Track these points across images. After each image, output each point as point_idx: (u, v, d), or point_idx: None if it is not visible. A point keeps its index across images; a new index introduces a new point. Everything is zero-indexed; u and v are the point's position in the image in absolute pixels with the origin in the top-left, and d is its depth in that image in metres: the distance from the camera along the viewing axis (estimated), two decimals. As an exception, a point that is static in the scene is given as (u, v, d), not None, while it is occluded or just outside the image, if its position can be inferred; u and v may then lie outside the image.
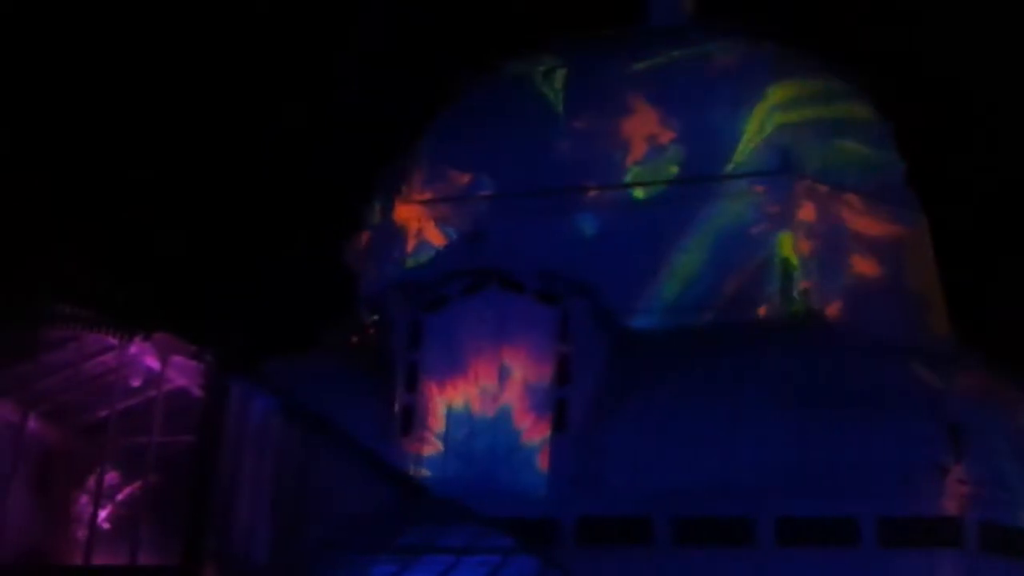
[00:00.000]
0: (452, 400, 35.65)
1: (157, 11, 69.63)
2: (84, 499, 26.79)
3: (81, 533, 26.33)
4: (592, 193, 41.89)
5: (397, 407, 35.85)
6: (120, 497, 26.63)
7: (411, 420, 35.56)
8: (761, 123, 41.81)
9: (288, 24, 73.66)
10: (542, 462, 34.47)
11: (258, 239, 69.10)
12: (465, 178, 43.54)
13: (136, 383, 26.16)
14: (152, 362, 25.96)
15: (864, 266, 40.37)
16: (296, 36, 73.17)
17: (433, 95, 47.56)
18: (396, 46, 71.45)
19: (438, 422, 35.54)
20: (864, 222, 40.96)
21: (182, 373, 25.86)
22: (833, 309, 39.21)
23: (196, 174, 68.54)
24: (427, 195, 43.70)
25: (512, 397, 35.33)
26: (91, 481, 26.70)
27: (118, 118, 68.42)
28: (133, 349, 25.69)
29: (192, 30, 70.49)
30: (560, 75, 44.78)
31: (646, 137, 42.37)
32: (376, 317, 40.05)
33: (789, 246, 39.56)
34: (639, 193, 41.65)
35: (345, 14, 73.09)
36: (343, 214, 46.68)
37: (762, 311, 38.79)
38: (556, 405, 35.01)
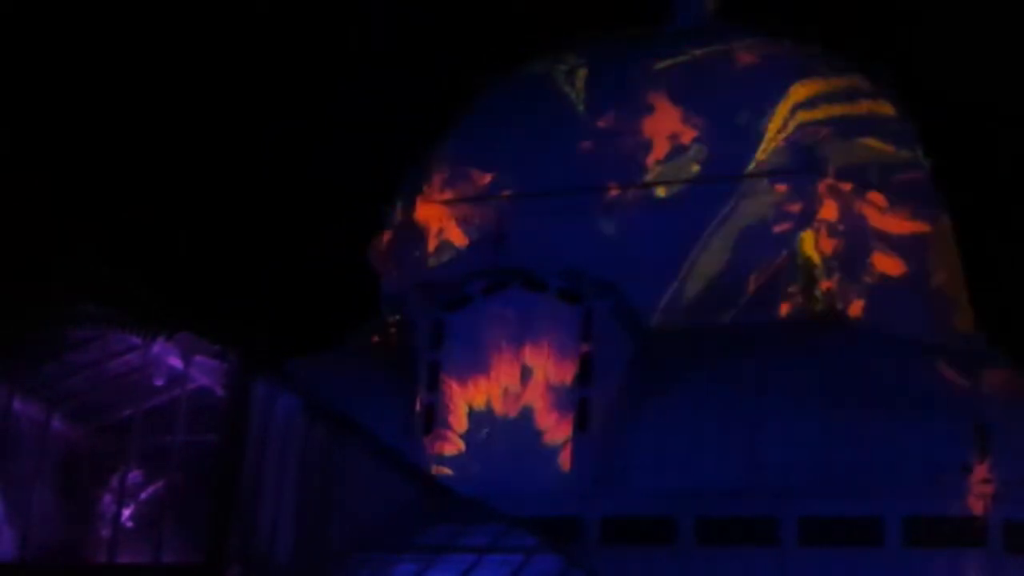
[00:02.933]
0: (474, 399, 35.66)
1: (184, 11, 69.94)
2: (108, 498, 26.91)
3: (105, 531, 26.46)
4: (614, 192, 41.84)
5: (419, 406, 35.89)
6: (144, 496, 26.74)
7: (433, 419, 35.59)
8: (783, 122, 41.68)
9: (313, 21, 73.91)
10: (564, 461, 34.45)
11: (281, 239, 69.30)
12: (487, 178, 43.56)
13: (159, 382, 26.29)
14: (175, 361, 26.07)
15: (887, 265, 40.20)
16: (321, 33, 73.41)
17: (455, 94, 47.61)
18: (418, 44, 71.59)
19: (460, 421, 35.55)
20: (887, 220, 40.79)
21: (205, 372, 25.96)
22: (856, 308, 39.05)
23: (221, 174, 68.80)
24: (449, 195, 43.73)
25: (534, 396, 35.31)
26: (115, 480, 26.82)
27: (144, 119, 68.75)
28: (156, 348, 25.83)
29: (212, 28, 70.76)
30: (582, 75, 44.76)
31: (668, 136, 42.29)
32: (398, 317, 40.12)
33: (811, 245, 39.43)
34: (661, 192, 41.58)
35: (357, 16, 73.27)
36: (366, 214, 46.78)
37: (784, 310, 38.67)
38: (578, 404, 34.99)
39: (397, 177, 46.19)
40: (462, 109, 46.27)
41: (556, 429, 34.91)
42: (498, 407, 35.47)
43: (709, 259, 39.97)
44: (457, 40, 70.33)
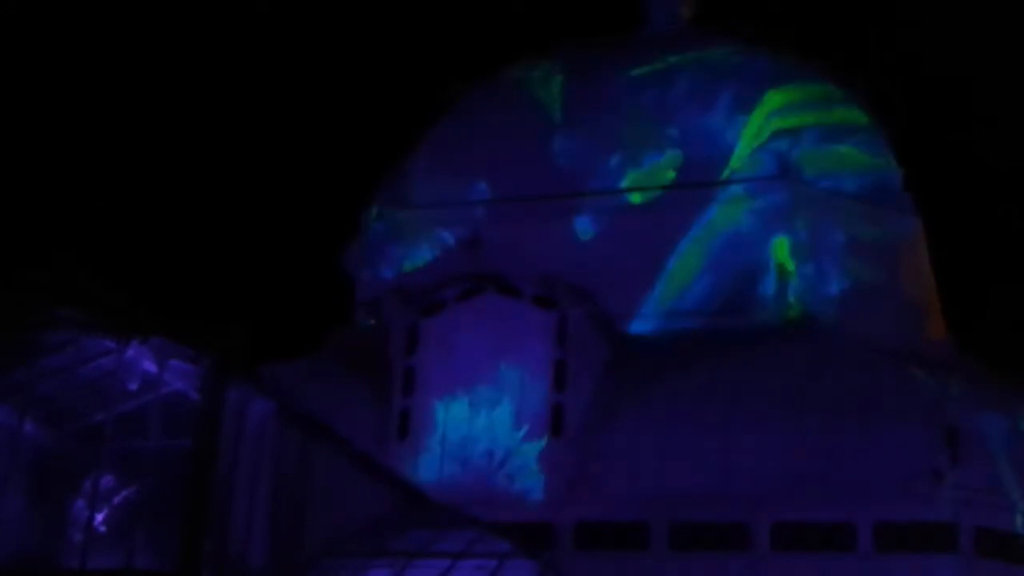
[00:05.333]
0: (449, 404, 35.66)
1: (160, 15, 69.74)
2: (80, 503, 26.76)
3: (77, 536, 26.31)
4: (590, 198, 41.92)
5: (394, 411, 35.86)
6: (116, 501, 26.61)
7: (408, 424, 35.58)
8: (758, 129, 41.89)
9: (286, 27, 73.81)
10: (539, 467, 34.47)
11: (257, 243, 69.17)
12: (463, 183, 43.57)
13: (133, 387, 26.15)
14: (149, 366, 25.96)
15: (860, 271, 40.42)
16: (294, 39, 73.29)
17: (430, 100, 47.65)
18: (393, 50, 71.60)
19: (435, 426, 35.55)
20: (860, 227, 41.02)
21: (179, 377, 25.86)
22: (829, 314, 39.23)
23: (196, 177, 68.62)
24: (425, 200, 43.72)
25: (509, 401, 35.34)
26: (87, 484, 26.68)
27: (118, 121, 68.49)
28: (130, 353, 25.70)
29: (192, 33, 70.60)
30: (558, 81, 44.85)
31: (644, 142, 42.40)
32: (373, 321, 40.07)
33: (785, 251, 39.62)
34: (636, 198, 41.71)
35: (342, 17, 73.21)
36: (342, 219, 46.76)
37: (758, 316, 38.83)
38: (553, 410, 35.05)
39: (373, 182, 46.19)
40: (438, 114, 46.28)
41: (530, 434, 34.95)
42: (472, 412, 35.48)
43: (683, 265, 40.11)
44: (433, 46, 70.38)
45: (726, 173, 41.31)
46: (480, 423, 35.34)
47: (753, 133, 41.75)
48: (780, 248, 39.68)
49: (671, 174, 41.81)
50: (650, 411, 34.60)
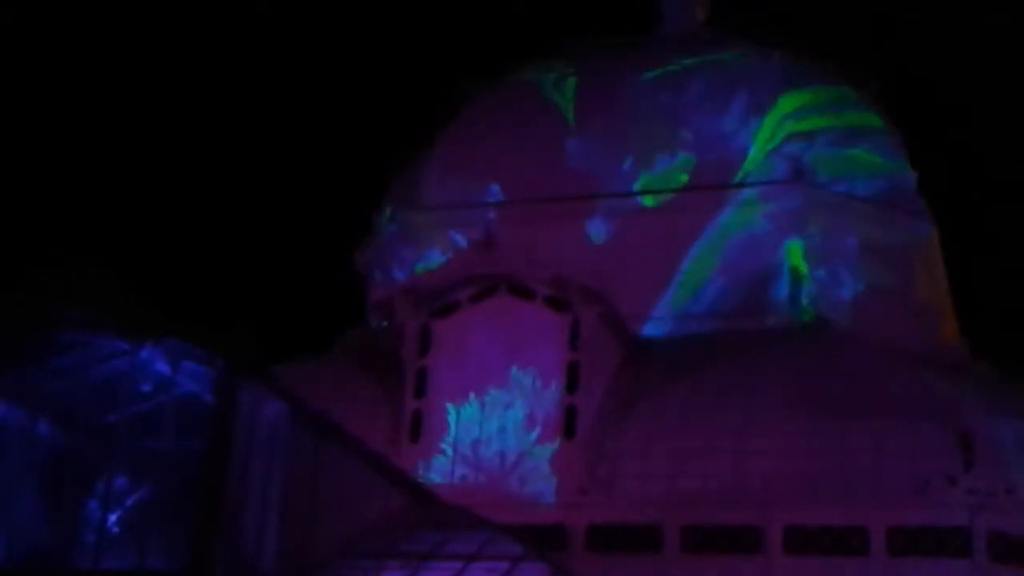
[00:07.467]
0: (461, 406, 35.67)
1: (170, 15, 69.88)
2: (93, 503, 26.84)
3: (90, 537, 26.39)
4: (603, 200, 41.92)
5: (406, 413, 35.88)
6: (129, 502, 26.68)
7: (420, 426, 35.58)
8: (772, 132, 41.84)
9: (297, 28, 73.91)
10: (551, 469, 34.46)
11: (269, 244, 69.31)
12: (476, 185, 43.59)
13: (146, 388, 26.22)
14: (163, 367, 26.01)
15: (874, 274, 40.33)
16: (306, 40, 73.38)
17: (443, 100, 47.69)
18: (406, 50, 71.66)
19: (447, 428, 35.55)
20: (874, 231, 40.94)
21: (192, 378, 25.91)
22: (842, 317, 39.16)
23: (208, 179, 68.76)
24: (438, 201, 43.75)
25: (521, 404, 35.33)
26: (100, 485, 26.75)
27: (131, 122, 68.65)
28: (144, 354, 25.76)
29: (202, 34, 70.73)
30: (571, 82, 44.86)
31: (657, 145, 42.38)
32: (386, 323, 40.11)
33: (799, 254, 39.57)
34: (650, 201, 41.70)
35: (354, 17, 73.29)
36: (354, 220, 46.83)
37: (771, 319, 38.78)
38: (565, 412, 35.02)
39: (385, 183, 46.24)
40: (450, 115, 46.32)
41: (543, 437, 34.93)
42: (485, 414, 35.47)
43: (696, 268, 40.09)
44: (445, 46, 70.43)
45: (739, 176, 41.28)
46: (492, 425, 35.33)
47: (767, 136, 41.70)
48: (794, 251, 39.63)
49: (684, 177, 41.79)
50: (663, 414, 34.56)
